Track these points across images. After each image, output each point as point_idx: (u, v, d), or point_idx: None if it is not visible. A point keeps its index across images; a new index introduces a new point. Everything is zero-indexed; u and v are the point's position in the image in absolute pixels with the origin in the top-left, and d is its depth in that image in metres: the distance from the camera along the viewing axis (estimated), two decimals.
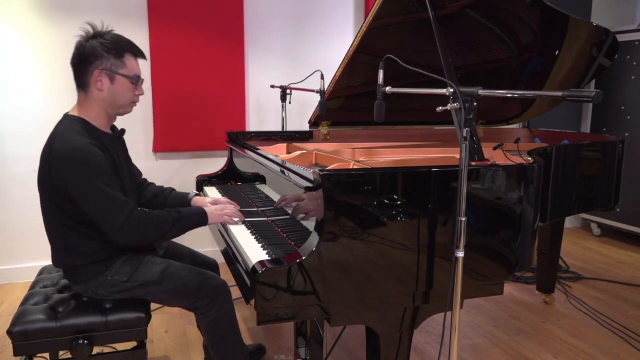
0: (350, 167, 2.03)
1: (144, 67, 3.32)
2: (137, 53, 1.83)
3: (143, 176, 2.19)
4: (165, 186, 2.22)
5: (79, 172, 1.65)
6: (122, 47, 1.77)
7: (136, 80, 1.82)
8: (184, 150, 3.65)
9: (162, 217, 1.76)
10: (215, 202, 2.10)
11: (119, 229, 1.67)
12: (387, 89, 1.70)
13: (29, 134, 3.30)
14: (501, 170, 1.65)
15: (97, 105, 1.79)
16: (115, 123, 1.95)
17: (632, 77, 4.20)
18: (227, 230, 1.92)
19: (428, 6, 2.06)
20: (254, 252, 1.63)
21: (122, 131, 1.96)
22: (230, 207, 1.97)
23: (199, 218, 1.86)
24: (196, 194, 2.17)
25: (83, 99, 1.79)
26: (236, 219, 1.94)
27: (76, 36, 1.79)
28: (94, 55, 1.73)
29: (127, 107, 1.85)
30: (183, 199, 2.13)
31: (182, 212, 1.82)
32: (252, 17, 3.71)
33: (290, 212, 1.93)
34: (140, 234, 1.71)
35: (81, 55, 1.74)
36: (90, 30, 1.77)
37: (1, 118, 3.25)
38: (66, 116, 1.81)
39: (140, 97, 1.88)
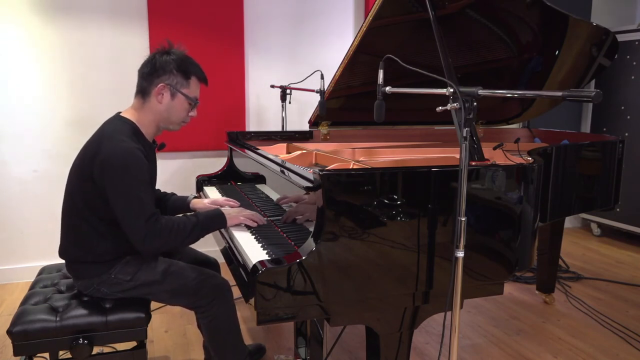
0: (350, 167, 2.03)
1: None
2: (203, 79, 1.92)
3: None
4: (165, 186, 2.23)
5: (123, 175, 1.67)
6: (191, 70, 1.86)
7: (194, 102, 1.89)
8: (184, 150, 3.65)
9: (181, 224, 1.75)
10: (213, 203, 2.10)
11: (142, 238, 1.69)
12: (387, 89, 1.70)
13: (30, 134, 3.30)
14: (501, 170, 1.65)
15: (152, 115, 1.84)
16: None
17: (632, 77, 4.20)
18: (227, 230, 1.92)
19: (428, 6, 2.06)
20: (254, 252, 1.63)
21: (162, 145, 2.00)
22: (247, 210, 1.94)
23: (218, 221, 1.85)
24: (195, 197, 2.18)
25: (139, 105, 1.85)
26: (253, 224, 1.88)
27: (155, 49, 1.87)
28: (164, 70, 1.81)
29: (176, 125, 1.91)
30: (183, 203, 2.15)
31: (199, 217, 1.82)
32: (252, 17, 3.71)
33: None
34: (162, 241, 1.71)
35: (153, 66, 1.82)
36: (166, 46, 1.86)
37: (1, 118, 3.25)
38: (118, 117, 1.85)
39: None
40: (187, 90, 1.86)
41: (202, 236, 1.81)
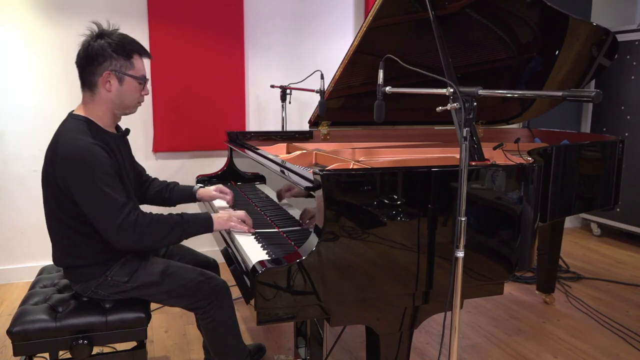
0: (350, 167, 2.03)
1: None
2: (144, 53, 1.83)
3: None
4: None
5: (82, 172, 1.64)
6: (131, 48, 1.77)
7: (144, 81, 1.82)
8: (184, 150, 3.65)
9: (161, 221, 1.71)
10: (218, 190, 2.08)
11: (114, 231, 1.65)
12: (387, 89, 1.70)
13: (29, 133, 3.30)
14: (501, 170, 1.65)
15: (104, 105, 1.78)
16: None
17: (632, 77, 4.20)
18: (227, 230, 1.92)
19: (428, 6, 2.05)
20: (253, 252, 1.63)
21: (127, 131, 1.94)
22: (238, 213, 1.88)
23: (204, 223, 1.80)
24: (200, 187, 2.16)
25: (89, 98, 1.78)
26: (244, 228, 1.84)
27: (81, 35, 1.77)
28: (103, 56, 1.72)
29: (133, 108, 1.85)
30: (188, 192, 2.12)
31: (184, 217, 1.77)
32: (252, 17, 3.71)
33: (290, 212, 1.93)
34: (136, 238, 1.67)
35: (89, 55, 1.73)
36: (96, 29, 1.76)
37: (1, 118, 3.25)
38: (71, 115, 1.80)
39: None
40: (133, 71, 1.77)
41: (186, 237, 1.76)
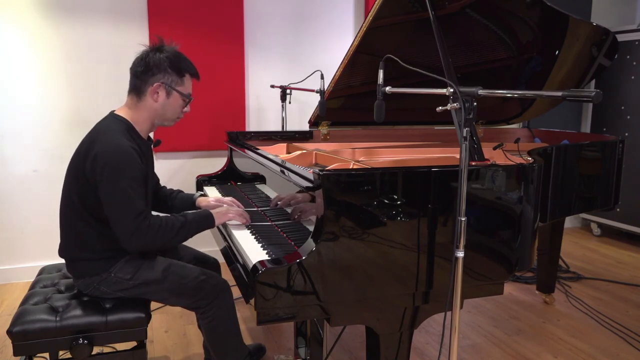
0: (350, 167, 2.03)
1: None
2: (196, 75, 1.92)
3: None
4: (167, 186, 2.23)
5: (115, 172, 1.68)
6: (185, 67, 1.87)
7: (189, 99, 1.90)
8: (184, 150, 3.65)
9: (169, 224, 1.76)
10: (218, 201, 2.10)
11: (129, 235, 1.69)
12: (387, 89, 1.70)
13: (29, 133, 3.30)
14: (501, 170, 1.65)
15: (147, 113, 1.85)
16: None
17: (632, 77, 4.20)
18: (227, 230, 1.92)
19: (428, 6, 2.06)
20: (254, 252, 1.63)
21: (158, 142, 2.02)
22: (234, 207, 1.99)
23: (205, 221, 1.87)
24: (201, 195, 2.20)
25: (134, 103, 1.85)
26: (242, 219, 1.93)
27: (141, 44, 1.88)
28: (158, 68, 1.81)
29: (171, 122, 1.93)
30: (189, 200, 2.16)
31: (187, 217, 1.83)
32: (252, 17, 3.71)
33: (290, 212, 1.93)
34: (148, 240, 1.72)
35: (147, 65, 1.81)
36: (158, 42, 1.85)
37: (1, 118, 3.25)
38: (113, 115, 1.85)
39: None
40: (182, 88, 1.86)
41: (191, 236, 1.82)
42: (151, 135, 1.99)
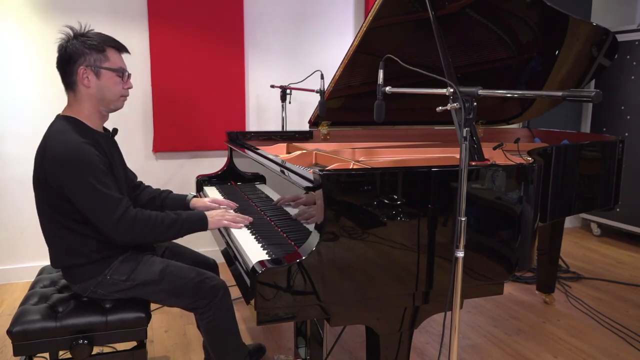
0: (350, 167, 2.03)
1: (145, 67, 3.33)
2: (119, 47, 1.84)
3: (142, 177, 2.19)
4: (165, 186, 2.21)
5: (73, 171, 1.65)
6: (103, 42, 1.78)
7: (122, 73, 1.82)
8: (184, 150, 3.65)
9: (159, 218, 1.75)
10: (214, 202, 2.09)
11: (114, 225, 1.68)
12: (387, 89, 1.70)
13: (29, 134, 3.29)
14: (501, 170, 1.65)
15: (88, 103, 1.79)
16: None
17: (632, 77, 4.20)
18: (227, 230, 1.92)
19: (428, 6, 2.05)
20: (253, 252, 1.63)
21: (115, 131, 1.95)
22: (230, 212, 1.96)
23: (199, 223, 1.85)
24: (194, 196, 2.16)
25: (73, 99, 1.80)
26: (239, 224, 1.90)
27: (57, 40, 1.79)
28: (77, 54, 1.74)
29: (117, 102, 1.85)
30: (181, 201, 2.12)
31: (180, 215, 1.81)
32: (252, 17, 3.71)
33: (290, 211, 1.93)
34: (136, 232, 1.71)
35: (64, 56, 1.76)
36: (70, 32, 1.79)
37: (1, 118, 3.25)
38: (58, 117, 1.81)
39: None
40: (109, 63, 1.78)
41: (181, 235, 1.81)
42: (107, 126, 1.94)
